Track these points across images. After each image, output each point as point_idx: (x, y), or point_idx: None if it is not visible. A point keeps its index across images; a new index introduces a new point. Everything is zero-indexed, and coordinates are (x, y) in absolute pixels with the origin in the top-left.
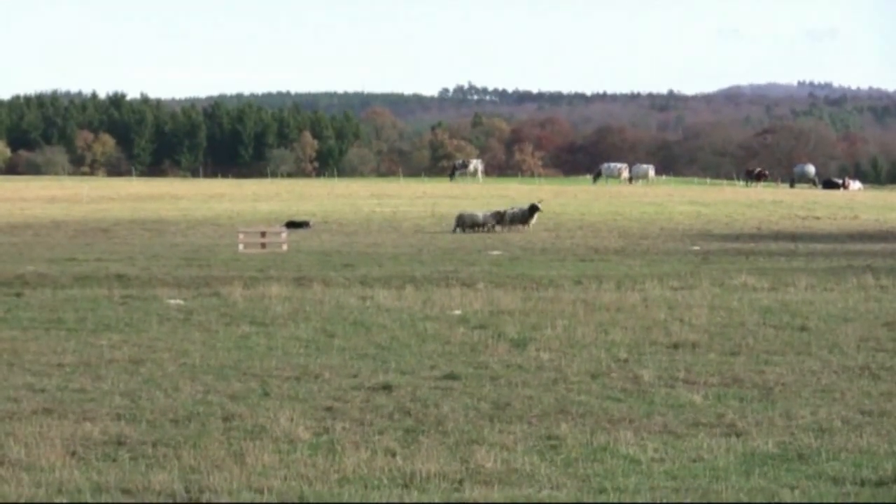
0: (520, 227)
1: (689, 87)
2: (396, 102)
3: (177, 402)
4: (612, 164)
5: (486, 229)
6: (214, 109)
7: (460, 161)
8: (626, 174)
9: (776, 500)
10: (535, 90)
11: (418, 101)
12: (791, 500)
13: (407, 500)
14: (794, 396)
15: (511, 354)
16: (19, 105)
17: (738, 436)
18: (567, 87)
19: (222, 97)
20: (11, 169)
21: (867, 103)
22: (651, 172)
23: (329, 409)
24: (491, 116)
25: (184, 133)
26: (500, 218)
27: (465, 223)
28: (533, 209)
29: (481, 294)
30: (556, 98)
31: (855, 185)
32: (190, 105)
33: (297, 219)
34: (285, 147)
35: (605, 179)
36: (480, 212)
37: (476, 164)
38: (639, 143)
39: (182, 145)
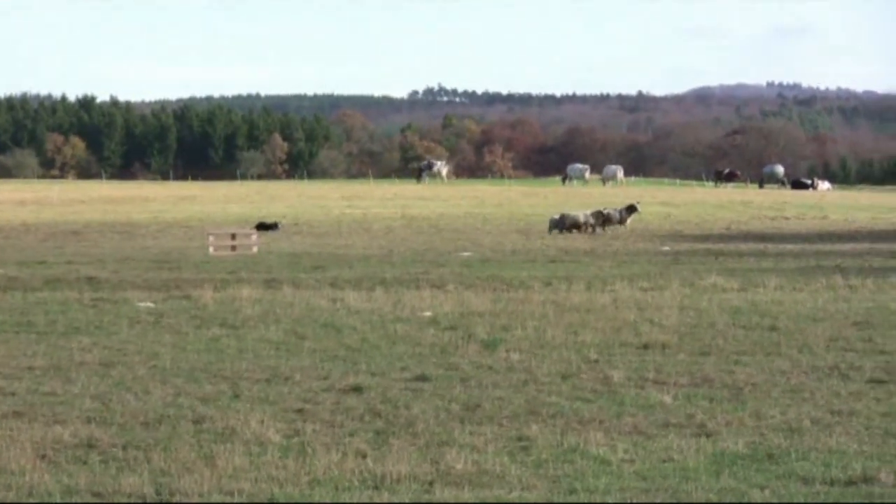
0: (616, 226)
1: (659, 88)
2: (366, 104)
3: (147, 405)
4: (577, 166)
5: (587, 230)
6: (184, 112)
7: (426, 163)
8: (588, 175)
9: (746, 500)
10: (504, 92)
11: (388, 103)
12: (761, 500)
13: (377, 502)
14: (764, 396)
15: (481, 356)
16: None
17: (707, 436)
18: (537, 89)
19: (192, 99)
20: None
21: (836, 104)
22: (620, 174)
23: (299, 411)
24: (461, 118)
25: (154, 135)
26: (601, 218)
27: (566, 224)
28: (631, 209)
29: (451, 295)
30: (526, 99)
31: (824, 185)
32: (160, 107)
33: (268, 221)
34: (255, 149)
35: (572, 180)
36: (581, 212)
37: (440, 165)
38: (609, 145)
39: (152, 148)
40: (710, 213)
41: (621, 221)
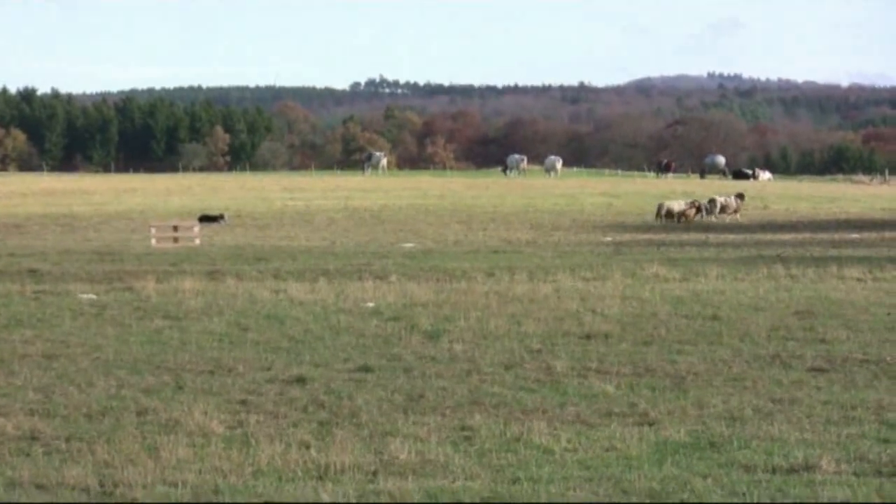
0: (728, 215)
1: (600, 79)
2: (308, 96)
3: (90, 397)
4: (515, 156)
5: (684, 220)
6: (126, 104)
7: (366, 154)
8: (524, 165)
9: (688, 488)
10: (446, 83)
11: (330, 95)
12: (703, 488)
13: (321, 492)
14: (706, 385)
15: (424, 346)
16: None
17: (650, 425)
18: (478, 80)
19: (133, 92)
20: None
21: (777, 94)
22: (558, 165)
23: (243, 402)
24: (403, 109)
25: (95, 128)
26: (711, 207)
27: (663, 213)
28: (740, 197)
29: (394, 286)
30: (467, 91)
31: (765, 175)
32: (101, 100)
33: (211, 213)
34: (197, 141)
35: (512, 171)
36: (676, 202)
37: (379, 156)
38: (550, 136)
39: (93, 140)
40: (651, 204)
41: (735, 210)
